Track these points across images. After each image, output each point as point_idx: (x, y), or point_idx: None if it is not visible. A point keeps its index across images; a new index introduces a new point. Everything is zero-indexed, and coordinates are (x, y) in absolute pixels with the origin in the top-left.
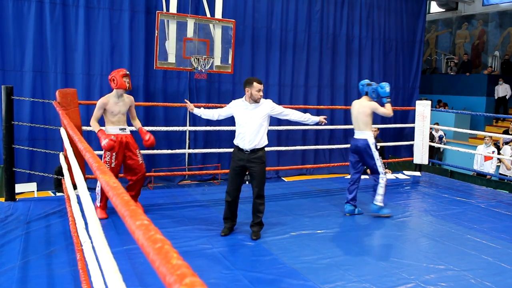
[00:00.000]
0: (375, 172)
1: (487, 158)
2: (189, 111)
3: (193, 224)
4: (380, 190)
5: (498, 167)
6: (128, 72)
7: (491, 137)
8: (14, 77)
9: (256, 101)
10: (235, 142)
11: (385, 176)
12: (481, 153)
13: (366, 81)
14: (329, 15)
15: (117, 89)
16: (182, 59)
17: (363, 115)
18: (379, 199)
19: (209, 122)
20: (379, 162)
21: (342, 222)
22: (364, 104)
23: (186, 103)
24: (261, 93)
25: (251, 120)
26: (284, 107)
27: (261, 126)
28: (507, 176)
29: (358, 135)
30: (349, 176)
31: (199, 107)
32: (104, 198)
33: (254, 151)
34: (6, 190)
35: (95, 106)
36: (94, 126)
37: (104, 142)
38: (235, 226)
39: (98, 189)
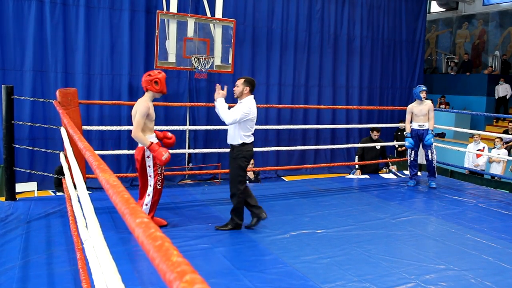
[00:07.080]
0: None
1: (478, 156)
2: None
3: (193, 224)
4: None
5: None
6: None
7: (479, 135)
8: (14, 77)
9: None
10: None
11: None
12: (471, 151)
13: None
14: (330, 14)
15: (156, 93)
16: (182, 59)
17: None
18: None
19: (209, 122)
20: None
21: (342, 222)
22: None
23: None
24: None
25: None
26: (283, 107)
27: None
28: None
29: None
30: (349, 176)
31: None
32: (154, 209)
33: (231, 147)
34: (6, 189)
35: (137, 114)
36: (142, 138)
37: (165, 156)
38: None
39: (147, 200)
